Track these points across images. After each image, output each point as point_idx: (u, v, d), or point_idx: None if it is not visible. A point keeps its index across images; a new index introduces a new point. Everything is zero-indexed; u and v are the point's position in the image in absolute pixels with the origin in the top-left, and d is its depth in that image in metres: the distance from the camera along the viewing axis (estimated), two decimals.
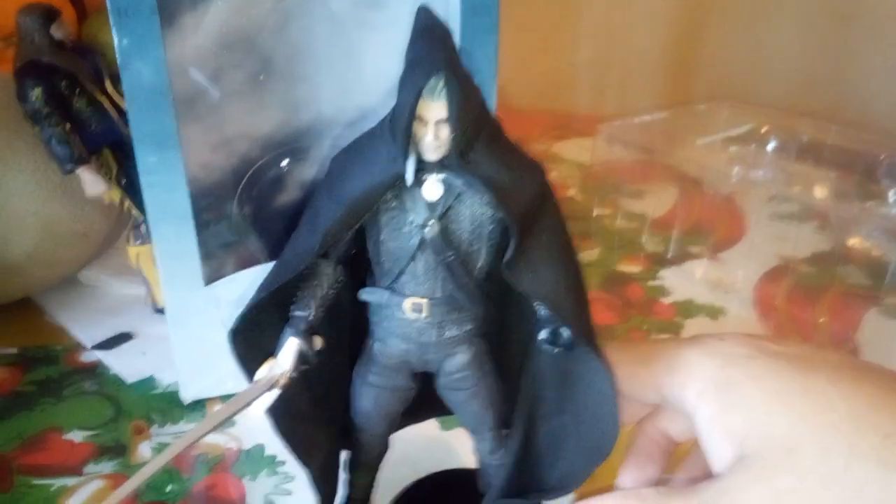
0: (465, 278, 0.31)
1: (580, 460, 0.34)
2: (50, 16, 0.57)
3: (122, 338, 0.63)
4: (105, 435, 0.52)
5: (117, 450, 0.51)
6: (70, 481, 0.48)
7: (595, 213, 0.89)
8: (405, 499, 0.44)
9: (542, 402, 0.35)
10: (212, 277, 0.52)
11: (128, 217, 0.63)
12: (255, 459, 0.50)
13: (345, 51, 0.57)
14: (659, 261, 0.78)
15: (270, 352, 0.31)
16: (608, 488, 0.35)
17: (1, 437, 0.51)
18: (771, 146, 0.94)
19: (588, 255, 0.79)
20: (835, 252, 0.78)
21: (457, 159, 0.28)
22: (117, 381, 0.58)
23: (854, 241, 0.78)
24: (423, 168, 0.29)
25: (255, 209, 0.58)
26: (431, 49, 0.27)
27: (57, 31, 0.57)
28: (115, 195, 0.61)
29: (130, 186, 0.61)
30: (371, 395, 0.35)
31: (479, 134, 0.28)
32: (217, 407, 0.55)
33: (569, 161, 1.06)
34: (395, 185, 0.29)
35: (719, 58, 1.16)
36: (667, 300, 0.71)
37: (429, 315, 0.32)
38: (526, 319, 0.34)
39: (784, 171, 0.90)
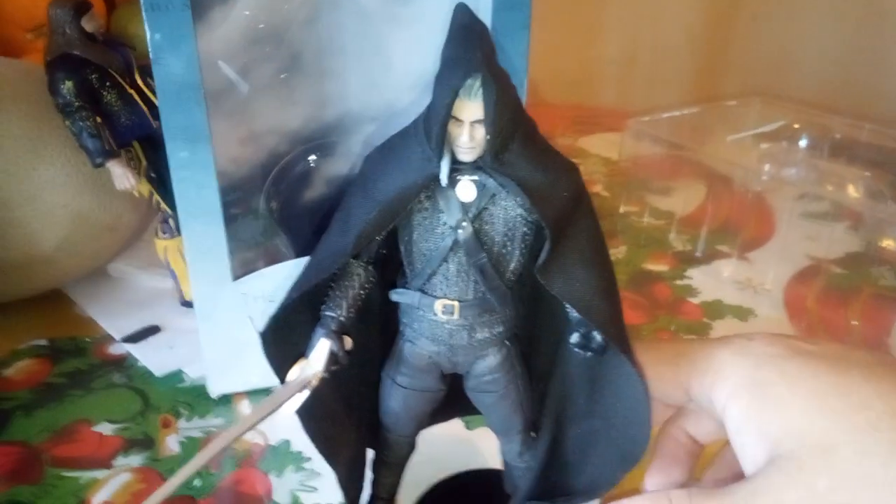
0: (496, 280, 0.31)
1: (609, 465, 0.34)
2: (81, 8, 0.57)
3: (150, 331, 0.63)
4: (133, 428, 0.52)
5: (145, 443, 0.51)
6: (99, 474, 0.48)
7: (622, 209, 0.88)
8: (430, 498, 0.44)
9: (571, 405, 0.35)
10: (240, 273, 0.52)
11: (156, 210, 0.63)
12: (282, 455, 0.50)
13: (373, 46, 0.56)
14: (687, 259, 0.77)
15: (301, 352, 0.31)
16: (634, 491, 0.34)
17: (31, 429, 0.52)
18: (803, 143, 0.92)
19: (614, 253, 0.78)
20: (868, 253, 0.77)
21: (491, 160, 0.28)
22: (146, 374, 0.58)
23: (888, 242, 0.76)
24: (457, 169, 0.29)
25: (282, 204, 0.58)
26: (469, 48, 0.27)
27: (88, 24, 0.57)
28: (144, 189, 0.61)
29: (159, 180, 0.61)
30: (400, 395, 0.35)
31: (514, 134, 0.28)
32: (244, 402, 0.55)
33: (595, 156, 1.05)
34: (429, 185, 0.29)
35: (750, 53, 1.14)
36: (695, 300, 0.70)
37: (460, 317, 0.32)
38: (557, 322, 0.33)
39: (816, 170, 0.88)
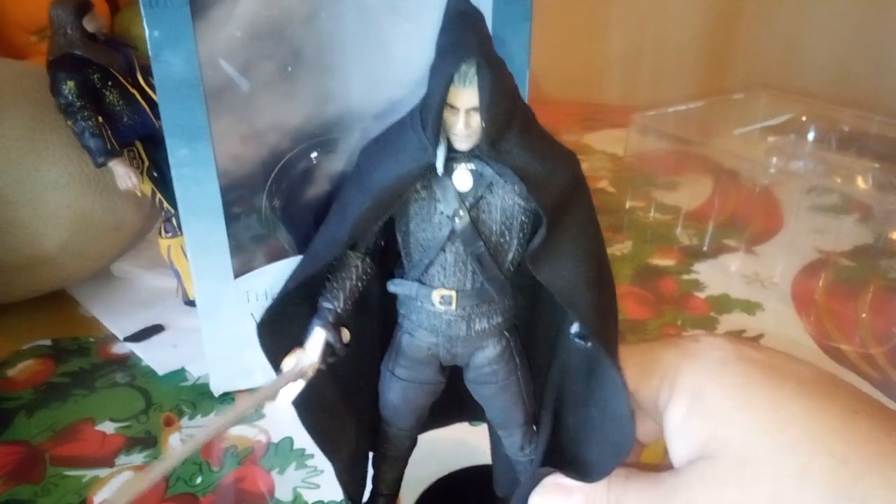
0: (494, 270, 0.30)
1: (604, 455, 0.33)
2: (83, 8, 0.57)
3: (153, 330, 0.63)
4: (136, 426, 0.52)
5: (148, 441, 0.51)
6: (101, 472, 0.48)
7: (628, 205, 0.88)
8: (432, 494, 0.43)
9: (569, 394, 0.34)
10: (242, 270, 0.52)
11: (159, 210, 0.63)
12: (284, 452, 0.50)
13: (375, 41, 0.56)
14: (693, 254, 0.77)
15: (299, 344, 0.31)
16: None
17: (34, 428, 0.52)
18: (810, 136, 0.92)
19: (620, 248, 0.78)
20: (877, 245, 0.76)
21: (488, 148, 0.27)
22: (148, 373, 0.58)
23: None
24: (453, 157, 0.28)
25: (284, 202, 0.58)
26: (463, 35, 0.26)
27: (89, 24, 0.57)
28: (147, 188, 0.61)
29: (162, 179, 0.61)
30: (399, 388, 0.35)
31: (511, 122, 0.27)
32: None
33: (601, 152, 1.05)
34: (425, 174, 0.29)
35: (757, 46, 1.13)
36: (701, 294, 0.70)
37: (457, 307, 0.31)
38: (557, 312, 0.33)
39: (824, 162, 0.87)
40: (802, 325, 0.65)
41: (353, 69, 0.57)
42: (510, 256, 0.31)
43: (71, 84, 0.56)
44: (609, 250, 0.32)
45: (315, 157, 0.58)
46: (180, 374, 0.58)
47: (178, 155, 0.47)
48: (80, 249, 0.64)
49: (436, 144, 0.27)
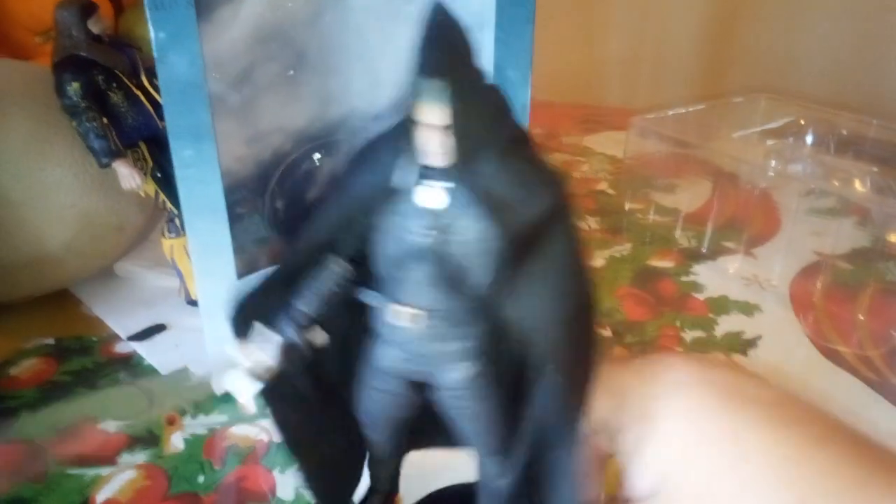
0: (463, 292, 0.29)
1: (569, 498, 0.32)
2: (87, 10, 0.57)
3: (156, 329, 0.64)
4: (138, 425, 0.52)
5: (150, 440, 0.51)
6: (104, 471, 0.48)
7: (627, 207, 0.88)
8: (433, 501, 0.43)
9: (547, 429, 0.33)
10: (245, 271, 0.52)
11: (162, 210, 0.64)
12: (286, 452, 0.50)
13: (378, 44, 0.56)
14: (692, 256, 0.77)
15: (269, 324, 0.31)
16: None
17: (37, 427, 0.52)
18: (809, 140, 0.92)
19: (620, 249, 0.78)
20: (875, 248, 0.76)
21: (459, 168, 0.27)
22: (151, 372, 0.58)
23: (895, 237, 0.76)
24: (429, 174, 0.27)
25: (287, 203, 0.58)
26: (434, 51, 0.25)
27: (94, 26, 0.58)
28: (150, 188, 0.62)
29: (165, 180, 0.61)
30: (370, 396, 0.34)
31: (490, 143, 0.27)
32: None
33: (600, 155, 1.05)
34: (397, 189, 0.28)
35: (756, 49, 1.14)
36: (700, 296, 0.70)
37: (425, 326, 0.30)
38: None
39: (822, 166, 0.88)
40: (800, 327, 0.66)
41: (356, 72, 0.58)
42: (480, 280, 0.29)
43: (76, 85, 0.57)
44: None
45: (318, 159, 0.58)
46: (183, 373, 0.58)
47: (182, 156, 0.47)
48: (83, 249, 0.64)
49: (407, 160, 0.27)
